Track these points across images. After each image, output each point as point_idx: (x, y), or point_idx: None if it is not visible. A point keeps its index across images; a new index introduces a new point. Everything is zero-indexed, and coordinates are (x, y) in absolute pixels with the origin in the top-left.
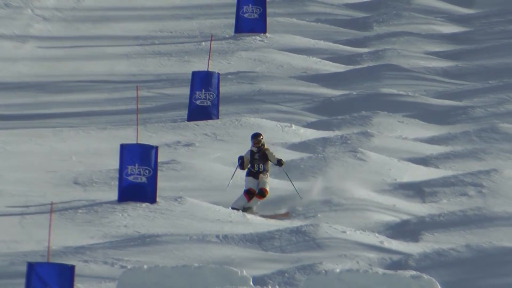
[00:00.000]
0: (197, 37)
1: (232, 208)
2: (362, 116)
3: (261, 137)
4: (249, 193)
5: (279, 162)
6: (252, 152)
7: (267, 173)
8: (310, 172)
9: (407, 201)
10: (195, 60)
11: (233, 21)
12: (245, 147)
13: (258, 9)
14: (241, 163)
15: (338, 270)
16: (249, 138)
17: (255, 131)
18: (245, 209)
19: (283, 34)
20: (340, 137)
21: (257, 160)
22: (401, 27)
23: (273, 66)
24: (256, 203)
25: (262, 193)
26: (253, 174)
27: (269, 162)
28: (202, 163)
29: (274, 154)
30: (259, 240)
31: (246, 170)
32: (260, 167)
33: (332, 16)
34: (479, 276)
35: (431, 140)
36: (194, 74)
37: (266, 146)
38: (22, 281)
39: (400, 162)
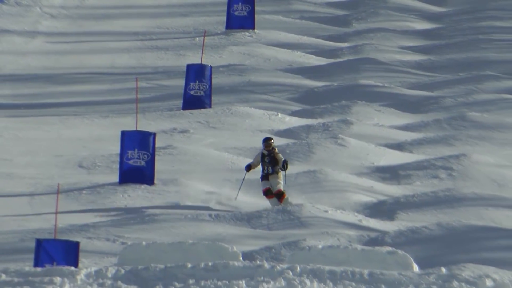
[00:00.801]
0: (191, 33)
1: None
2: (342, 105)
3: (272, 140)
4: (267, 193)
5: (283, 166)
6: (263, 155)
7: (278, 173)
8: (295, 156)
9: (383, 183)
10: (189, 54)
11: (224, 18)
12: (235, 134)
13: (247, 7)
14: (249, 168)
15: (320, 246)
16: (239, 125)
17: (266, 136)
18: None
19: (270, 30)
20: (322, 125)
21: (266, 163)
22: (378, 24)
23: (261, 60)
24: (286, 202)
25: (279, 196)
26: (264, 177)
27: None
28: (196, 148)
29: (282, 157)
30: (248, 219)
31: (260, 174)
32: (269, 169)
33: (315, 14)
34: (449, 252)
35: (405, 127)
36: (189, 66)
37: (276, 150)
38: (31, 256)
39: (377, 147)
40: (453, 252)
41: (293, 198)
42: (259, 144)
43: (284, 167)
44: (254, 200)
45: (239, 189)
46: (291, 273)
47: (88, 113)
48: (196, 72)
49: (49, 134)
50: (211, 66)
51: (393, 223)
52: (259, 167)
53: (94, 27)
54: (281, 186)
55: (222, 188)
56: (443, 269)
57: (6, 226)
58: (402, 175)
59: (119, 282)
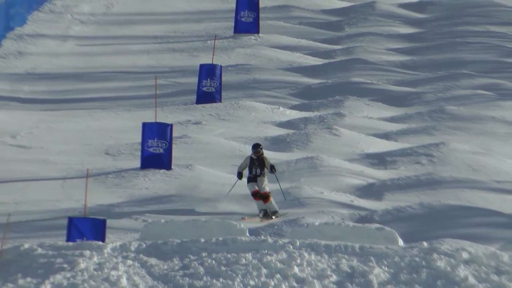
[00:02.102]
0: (204, 36)
1: (260, 216)
2: (336, 100)
3: (261, 147)
4: (255, 195)
5: (272, 169)
6: (252, 159)
7: (264, 176)
8: (295, 144)
9: (372, 168)
10: (202, 55)
11: (232, 24)
12: (242, 125)
13: (252, 14)
14: (240, 175)
15: (317, 223)
16: (246, 118)
17: (256, 142)
18: (266, 215)
19: (272, 34)
20: (318, 117)
21: (255, 165)
22: (367, 29)
23: (265, 60)
24: (270, 205)
25: (265, 197)
26: (252, 178)
27: (265, 167)
28: (208, 137)
29: (269, 161)
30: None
31: (245, 178)
32: (258, 171)
33: (312, 20)
34: (430, 228)
35: (391, 119)
36: (201, 66)
37: (264, 155)
38: (64, 232)
39: (366, 136)
40: (434, 228)
41: (293, 181)
42: (263, 134)
43: (273, 170)
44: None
45: (229, 191)
46: (291, 247)
47: (113, 107)
48: (208, 71)
49: (79, 125)
50: (221, 66)
51: (381, 203)
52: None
53: (118, 31)
54: (267, 188)
55: (231, 172)
56: (425, 243)
57: (41, 206)
58: (389, 161)
59: (141, 255)
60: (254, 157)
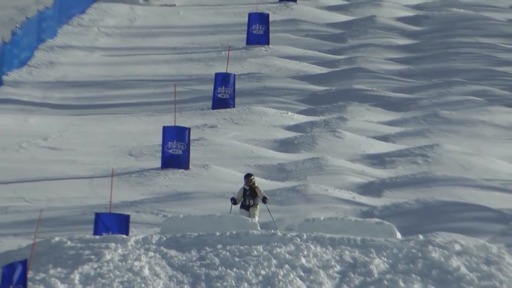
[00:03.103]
0: (219, 47)
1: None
2: (339, 105)
3: (253, 177)
4: None
5: (264, 200)
6: (244, 190)
7: (257, 206)
8: (301, 146)
9: (372, 167)
10: (217, 65)
11: (245, 36)
12: (253, 128)
13: (263, 27)
14: (234, 201)
15: (322, 218)
16: (257, 122)
17: (247, 172)
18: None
19: (281, 46)
20: (323, 121)
21: (248, 196)
22: (368, 40)
23: (274, 69)
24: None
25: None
26: (245, 207)
27: (258, 197)
28: (223, 140)
29: (262, 191)
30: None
31: (239, 204)
32: (250, 202)
33: (318, 32)
34: (425, 222)
35: (390, 123)
36: (216, 74)
37: (256, 184)
38: (91, 226)
39: (367, 139)
40: (429, 222)
41: (300, 180)
42: (273, 137)
43: (265, 201)
44: (269, 182)
45: (229, 212)
46: (299, 239)
47: (136, 112)
48: (223, 79)
49: (105, 129)
50: (234, 74)
51: (380, 200)
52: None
53: (140, 43)
54: (256, 218)
55: (243, 172)
56: (421, 236)
57: (70, 202)
58: (387, 161)
59: (162, 247)
60: (246, 187)
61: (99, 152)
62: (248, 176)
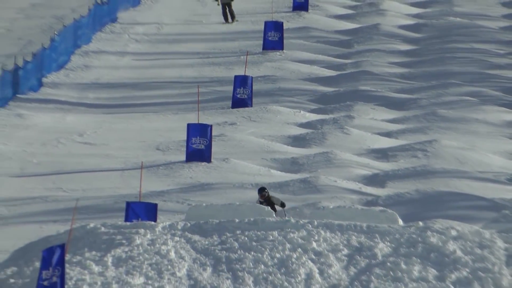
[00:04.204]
0: (237, 53)
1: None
2: (346, 105)
3: (265, 191)
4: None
5: (282, 205)
6: (260, 202)
7: (276, 210)
8: (313, 142)
9: (377, 161)
10: (236, 68)
11: (261, 42)
12: (269, 126)
13: (278, 34)
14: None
15: (331, 207)
16: (273, 119)
17: (261, 186)
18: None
19: (294, 51)
20: (332, 119)
21: (265, 205)
22: (373, 46)
23: (288, 72)
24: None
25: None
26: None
27: (275, 205)
28: (241, 136)
29: (278, 199)
30: (279, 186)
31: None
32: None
33: (327, 39)
34: (424, 210)
35: (392, 121)
36: (236, 77)
37: (270, 195)
38: (122, 214)
39: (372, 135)
40: (427, 210)
41: (311, 172)
42: (287, 133)
43: (283, 205)
44: (283, 174)
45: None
46: (310, 226)
47: (163, 111)
48: (241, 81)
49: (134, 126)
50: (251, 77)
51: (384, 190)
52: None
53: (167, 48)
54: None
55: (260, 165)
56: (420, 223)
57: (104, 192)
58: (390, 155)
59: (186, 233)
60: (261, 200)
61: (130, 147)
62: (261, 191)
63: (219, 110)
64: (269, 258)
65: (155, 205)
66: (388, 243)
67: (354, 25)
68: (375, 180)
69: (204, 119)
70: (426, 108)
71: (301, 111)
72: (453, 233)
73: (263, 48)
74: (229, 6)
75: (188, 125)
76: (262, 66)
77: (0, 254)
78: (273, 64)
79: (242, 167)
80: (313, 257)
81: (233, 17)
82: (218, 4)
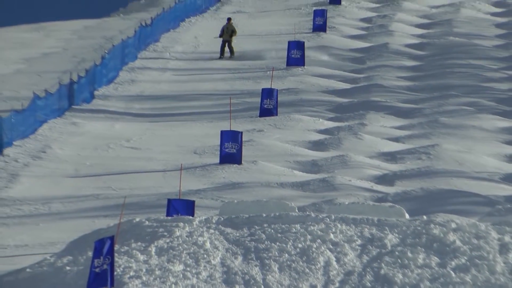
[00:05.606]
0: (264, 68)
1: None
2: (360, 114)
3: (231, 20)
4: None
5: (233, 32)
6: (226, 27)
7: (232, 38)
8: (330, 146)
9: (386, 162)
10: (263, 82)
11: (285, 59)
12: (292, 132)
13: (300, 52)
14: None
15: (347, 203)
16: (295, 126)
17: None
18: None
19: (314, 67)
20: (347, 126)
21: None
22: (383, 62)
23: (309, 85)
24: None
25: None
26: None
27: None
28: (268, 141)
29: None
30: (301, 185)
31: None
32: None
33: (343, 56)
34: (428, 206)
35: (400, 127)
36: (263, 89)
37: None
38: (164, 209)
39: (382, 140)
40: (431, 206)
41: (329, 173)
42: (308, 139)
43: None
44: (304, 174)
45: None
46: (328, 219)
47: (199, 119)
48: (268, 93)
49: (175, 132)
50: (277, 89)
51: (392, 188)
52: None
53: (203, 65)
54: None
55: (284, 166)
56: (424, 217)
57: (148, 191)
58: (398, 157)
59: (220, 226)
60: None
61: (170, 151)
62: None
63: (248, 118)
64: (292, 247)
65: (193, 201)
66: (396, 235)
67: (366, 44)
68: (384, 179)
69: (235, 127)
70: (429, 116)
71: (320, 119)
72: (453, 225)
73: (287, 64)
74: (229, 43)
75: (222, 132)
76: (286, 80)
77: (58, 245)
78: (295, 78)
79: (268, 168)
80: (331, 246)
81: (232, 52)
82: (218, 37)
